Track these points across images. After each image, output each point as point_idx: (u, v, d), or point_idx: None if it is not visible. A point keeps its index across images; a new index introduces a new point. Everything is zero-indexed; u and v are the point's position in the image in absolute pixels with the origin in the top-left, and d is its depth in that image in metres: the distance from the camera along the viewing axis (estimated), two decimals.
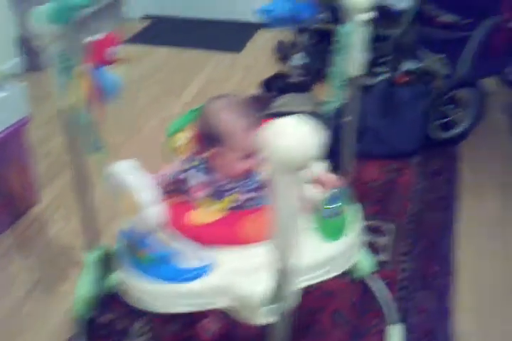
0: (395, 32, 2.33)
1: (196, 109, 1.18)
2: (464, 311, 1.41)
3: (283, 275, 0.75)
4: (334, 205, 1.03)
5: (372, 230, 1.68)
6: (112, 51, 0.82)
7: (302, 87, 2.53)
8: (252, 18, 3.25)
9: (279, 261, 0.70)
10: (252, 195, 1.10)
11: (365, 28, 1.13)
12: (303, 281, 0.99)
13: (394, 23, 2.34)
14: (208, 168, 1.09)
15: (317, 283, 1.01)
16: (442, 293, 1.45)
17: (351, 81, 1.23)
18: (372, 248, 1.61)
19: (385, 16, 2.38)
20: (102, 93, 0.81)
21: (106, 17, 3.21)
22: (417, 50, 2.33)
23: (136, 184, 0.89)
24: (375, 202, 1.81)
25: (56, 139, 2.12)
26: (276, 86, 2.49)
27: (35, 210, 1.80)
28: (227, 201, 1.09)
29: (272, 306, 0.89)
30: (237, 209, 1.08)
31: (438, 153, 2.05)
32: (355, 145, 1.35)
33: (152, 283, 0.96)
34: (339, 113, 1.31)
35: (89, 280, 1.17)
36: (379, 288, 1.42)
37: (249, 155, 1.04)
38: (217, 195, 1.09)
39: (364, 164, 1.99)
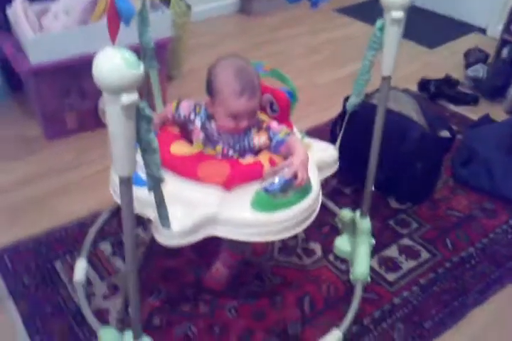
0: None
1: None
2: None
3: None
4: (280, 184, 1.07)
5: (406, 250, 1.60)
6: None
7: (463, 100, 2.35)
8: (470, 19, 3.09)
9: (118, 171, 0.82)
10: (234, 152, 1.19)
11: (397, 28, 1.07)
12: (214, 231, 1.09)
13: None
14: (208, 116, 1.20)
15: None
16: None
17: (382, 81, 1.18)
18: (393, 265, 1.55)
19: None
20: (117, 16, 0.97)
21: None
22: None
23: None
24: (439, 230, 1.67)
25: None
26: (431, 89, 2.35)
27: None
28: (212, 151, 1.19)
29: (165, 230, 1.01)
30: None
31: None
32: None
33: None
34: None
35: None
36: (356, 298, 1.38)
37: (235, 117, 1.13)
38: (207, 142, 1.20)
39: (457, 191, 1.84)
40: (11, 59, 1.83)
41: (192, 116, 1.21)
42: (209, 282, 1.40)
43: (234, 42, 2.83)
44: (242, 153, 1.19)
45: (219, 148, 1.19)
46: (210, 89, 1.16)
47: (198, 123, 1.20)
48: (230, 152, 1.19)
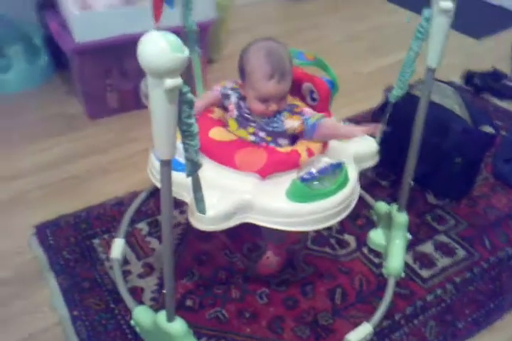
0: None
1: None
2: None
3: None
4: (317, 175, 1.07)
5: (442, 246, 1.57)
6: None
7: (509, 94, 2.28)
8: None
9: (159, 154, 0.84)
10: (266, 135, 1.19)
11: (445, 18, 1.04)
12: (248, 218, 1.10)
13: None
14: (241, 96, 1.21)
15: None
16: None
17: (426, 73, 1.15)
18: (427, 262, 1.53)
19: None
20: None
21: None
22: None
23: None
24: (477, 228, 1.64)
25: None
26: (476, 82, 2.29)
27: None
28: (245, 132, 1.20)
29: (200, 215, 1.03)
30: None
31: None
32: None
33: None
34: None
35: None
36: (389, 292, 1.37)
37: (266, 100, 1.13)
38: (241, 121, 1.21)
39: (497, 189, 1.80)
40: (56, 37, 1.85)
41: (229, 92, 1.23)
42: (261, 269, 1.43)
43: (275, 27, 2.80)
44: (274, 137, 1.19)
45: (251, 129, 1.20)
46: (241, 71, 1.17)
47: (233, 99, 1.22)
48: (262, 134, 1.19)
